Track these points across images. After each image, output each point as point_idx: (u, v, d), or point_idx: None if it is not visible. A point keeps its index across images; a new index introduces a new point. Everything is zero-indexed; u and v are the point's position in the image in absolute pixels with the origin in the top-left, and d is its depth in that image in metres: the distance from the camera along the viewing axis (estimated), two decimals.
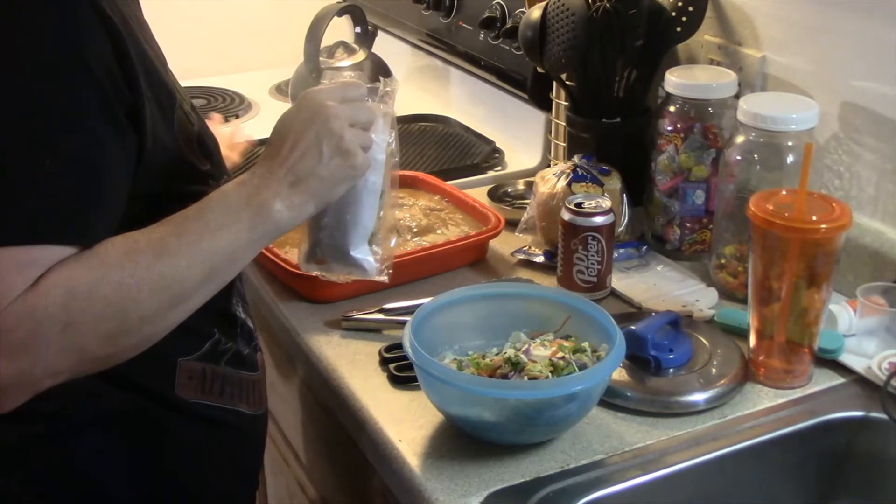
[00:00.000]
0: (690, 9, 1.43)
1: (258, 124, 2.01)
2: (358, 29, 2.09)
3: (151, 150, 0.94)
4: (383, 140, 1.07)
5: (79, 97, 0.87)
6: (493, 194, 1.62)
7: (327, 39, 1.99)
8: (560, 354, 1.07)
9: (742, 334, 1.20)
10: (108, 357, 0.91)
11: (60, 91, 0.86)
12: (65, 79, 0.86)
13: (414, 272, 1.36)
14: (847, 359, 1.17)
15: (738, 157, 1.27)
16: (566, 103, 1.54)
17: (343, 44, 2.07)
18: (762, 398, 1.13)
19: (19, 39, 0.85)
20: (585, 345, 1.10)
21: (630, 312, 1.28)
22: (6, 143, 0.84)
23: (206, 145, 1.07)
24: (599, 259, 1.30)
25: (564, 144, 1.56)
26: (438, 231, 1.45)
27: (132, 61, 0.91)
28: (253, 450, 1.19)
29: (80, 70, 0.86)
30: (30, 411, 0.90)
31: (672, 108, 1.38)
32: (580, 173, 1.39)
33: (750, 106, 1.25)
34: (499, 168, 1.78)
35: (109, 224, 0.90)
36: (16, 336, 0.83)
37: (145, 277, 0.88)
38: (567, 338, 1.11)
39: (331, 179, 0.99)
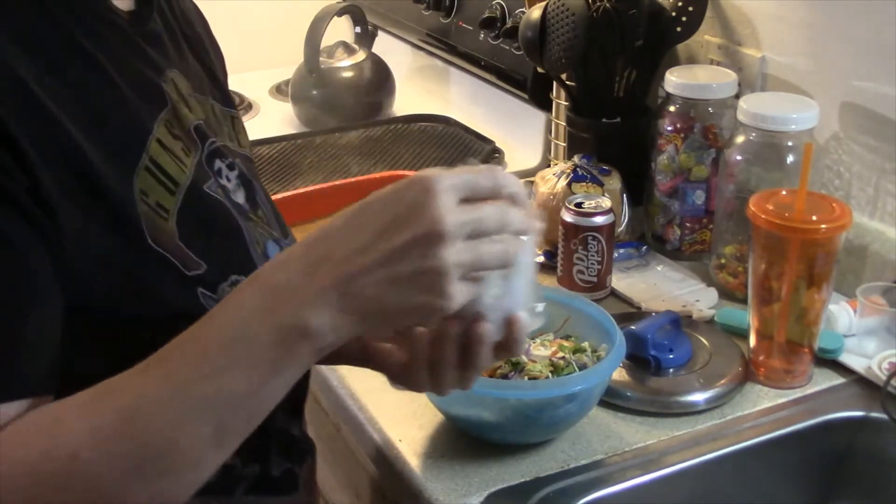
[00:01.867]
0: (690, 9, 1.43)
1: (258, 124, 2.01)
2: (358, 29, 2.09)
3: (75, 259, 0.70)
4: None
5: None
6: None
7: (327, 39, 1.99)
8: (560, 354, 1.07)
9: (742, 334, 1.20)
10: None
11: None
12: None
13: None
14: (847, 359, 1.17)
15: (738, 157, 1.27)
16: (566, 103, 1.54)
17: (343, 44, 2.07)
18: (762, 398, 1.13)
19: None
20: (585, 345, 1.10)
21: (630, 312, 1.28)
22: None
23: (212, 232, 0.81)
24: (599, 259, 1.30)
25: (564, 144, 1.56)
26: None
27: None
28: None
29: None
30: None
31: (672, 108, 1.38)
32: (580, 173, 1.39)
33: (750, 106, 1.25)
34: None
35: (45, 362, 0.68)
36: None
37: (112, 451, 0.65)
38: (567, 338, 1.11)
39: (397, 309, 0.68)
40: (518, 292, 0.74)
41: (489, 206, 0.68)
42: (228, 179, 0.89)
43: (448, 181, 0.66)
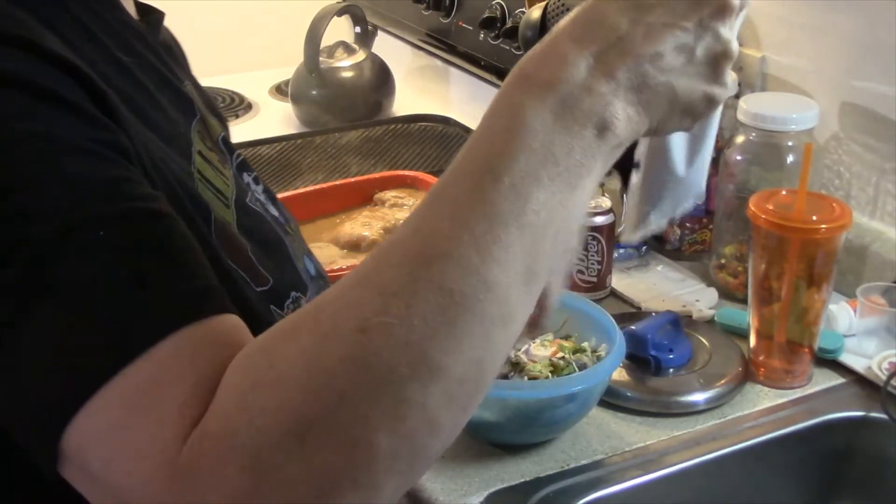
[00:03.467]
0: None
1: (258, 124, 2.01)
2: (358, 29, 2.09)
3: None
4: None
5: None
6: None
7: (327, 39, 1.99)
8: (560, 354, 1.07)
9: (742, 334, 1.20)
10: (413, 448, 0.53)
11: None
12: None
13: None
14: (847, 359, 1.17)
15: (738, 157, 1.27)
16: None
17: (343, 44, 2.07)
18: (762, 398, 1.13)
19: None
20: (585, 345, 1.10)
21: (630, 312, 1.28)
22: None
23: (266, 246, 0.77)
24: (599, 259, 1.30)
25: None
26: None
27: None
28: None
29: None
30: None
31: None
32: None
33: (750, 106, 1.25)
34: None
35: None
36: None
37: (415, 303, 0.52)
38: (567, 338, 1.11)
39: (686, 100, 0.61)
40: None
41: None
42: (257, 193, 0.84)
43: None
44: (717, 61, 0.62)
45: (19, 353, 0.54)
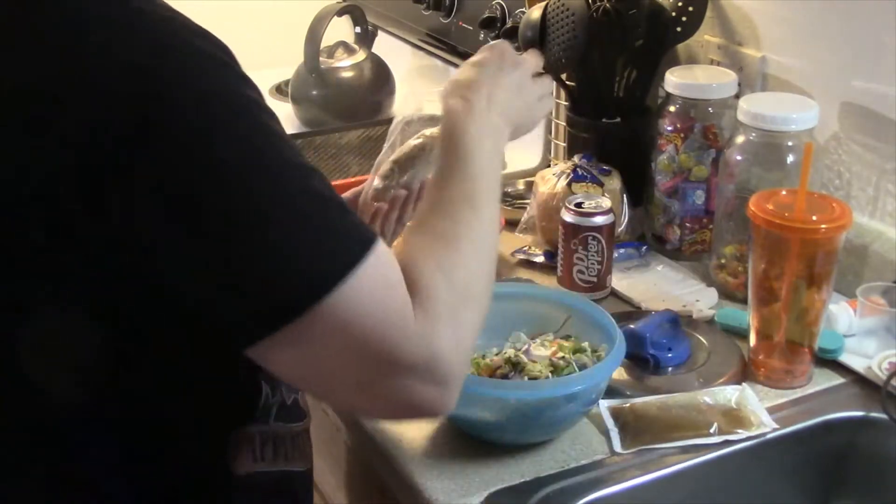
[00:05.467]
0: (690, 9, 1.43)
1: None
2: (358, 29, 2.09)
3: None
4: None
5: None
6: None
7: (327, 39, 1.99)
8: (560, 354, 1.07)
9: (742, 334, 1.20)
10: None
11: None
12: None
13: None
14: (847, 359, 1.17)
15: (738, 157, 1.27)
16: (566, 103, 1.54)
17: (343, 44, 2.07)
18: (762, 398, 1.13)
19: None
20: (585, 345, 1.10)
21: (629, 311, 1.28)
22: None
23: None
24: (599, 259, 1.30)
25: (564, 144, 1.56)
26: None
27: None
28: None
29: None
30: None
31: (672, 108, 1.38)
32: (580, 173, 1.39)
33: (750, 106, 1.25)
34: None
35: None
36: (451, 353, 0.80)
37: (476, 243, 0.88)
38: (567, 338, 1.11)
39: (528, 111, 1.09)
40: None
41: None
42: None
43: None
44: (538, 95, 1.10)
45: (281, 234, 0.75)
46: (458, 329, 0.81)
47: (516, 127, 1.06)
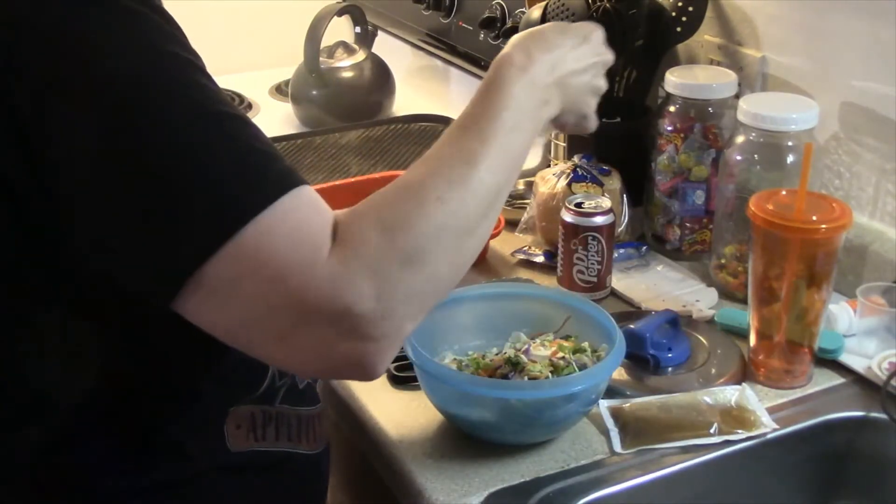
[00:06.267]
0: (690, 9, 1.43)
1: (258, 124, 2.00)
2: (358, 29, 2.09)
3: None
4: None
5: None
6: None
7: (327, 39, 1.99)
8: (560, 354, 1.07)
9: (742, 334, 1.20)
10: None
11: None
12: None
13: None
14: (847, 359, 1.17)
15: (738, 157, 1.27)
16: None
17: (343, 44, 2.07)
18: (762, 398, 1.13)
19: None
20: (585, 345, 1.10)
21: (629, 311, 1.28)
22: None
23: None
24: (599, 259, 1.30)
25: (564, 144, 1.56)
26: None
27: None
28: (313, 493, 1.08)
29: None
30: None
31: (672, 108, 1.38)
32: (580, 173, 1.39)
33: (750, 106, 1.25)
34: None
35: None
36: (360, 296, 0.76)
37: (467, 188, 0.83)
38: (567, 338, 1.11)
39: (583, 95, 1.04)
40: None
41: None
42: None
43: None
44: (597, 92, 1.06)
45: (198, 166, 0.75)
46: (385, 285, 0.76)
47: (565, 110, 1.00)
